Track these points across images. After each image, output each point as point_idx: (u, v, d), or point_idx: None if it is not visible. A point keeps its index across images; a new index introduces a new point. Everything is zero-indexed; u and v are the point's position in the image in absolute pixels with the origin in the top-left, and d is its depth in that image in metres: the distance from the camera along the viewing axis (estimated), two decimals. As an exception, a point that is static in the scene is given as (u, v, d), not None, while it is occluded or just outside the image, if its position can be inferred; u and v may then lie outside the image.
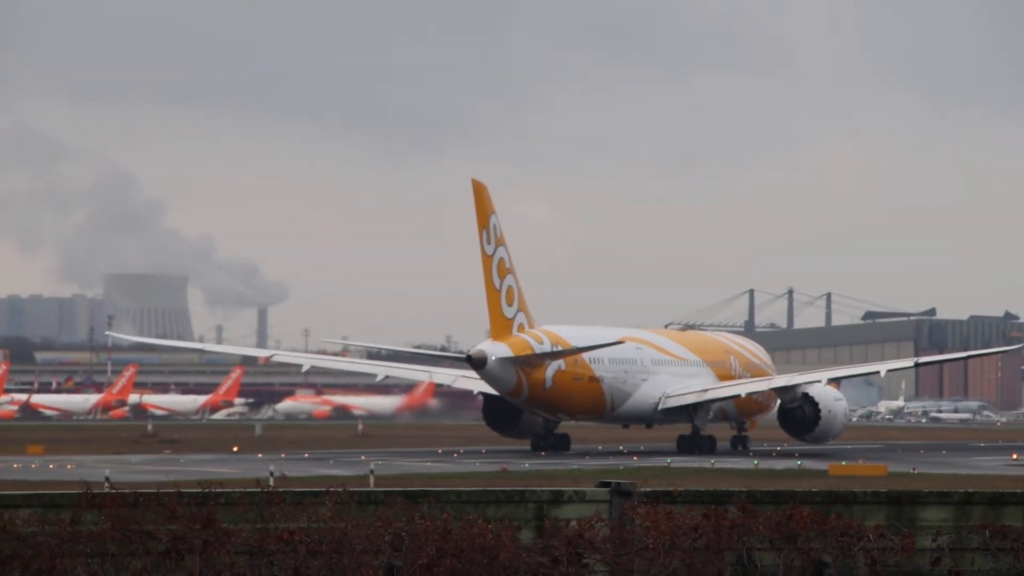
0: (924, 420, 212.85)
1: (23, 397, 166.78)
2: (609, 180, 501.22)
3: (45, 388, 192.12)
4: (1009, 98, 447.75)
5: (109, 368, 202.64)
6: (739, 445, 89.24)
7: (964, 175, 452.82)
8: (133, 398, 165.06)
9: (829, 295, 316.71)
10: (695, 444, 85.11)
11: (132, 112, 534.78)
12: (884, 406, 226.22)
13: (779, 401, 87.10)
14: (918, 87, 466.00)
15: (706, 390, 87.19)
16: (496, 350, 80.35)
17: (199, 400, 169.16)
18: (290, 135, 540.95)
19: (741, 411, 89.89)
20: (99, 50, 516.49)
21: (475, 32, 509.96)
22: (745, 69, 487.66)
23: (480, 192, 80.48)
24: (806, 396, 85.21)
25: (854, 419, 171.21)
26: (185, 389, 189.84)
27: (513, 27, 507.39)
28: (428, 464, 67.85)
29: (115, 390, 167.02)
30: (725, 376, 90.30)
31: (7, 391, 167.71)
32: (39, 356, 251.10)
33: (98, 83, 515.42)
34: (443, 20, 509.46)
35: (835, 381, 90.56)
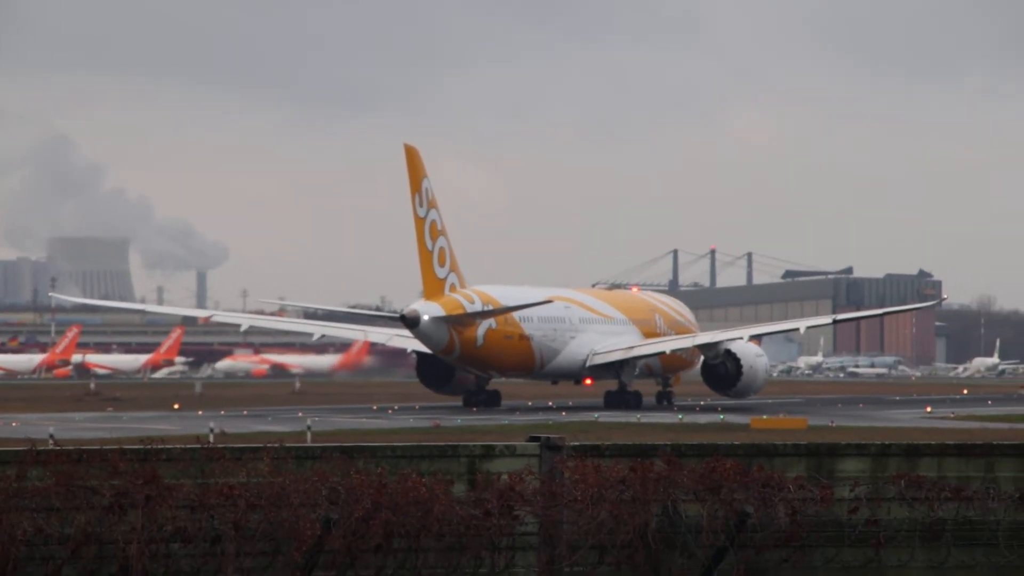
0: (842, 375, 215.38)
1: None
2: (532, 144, 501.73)
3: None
4: (927, 59, 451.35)
5: (53, 329, 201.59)
6: (664, 400, 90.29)
7: (879, 136, 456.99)
8: (76, 358, 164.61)
9: (750, 255, 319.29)
10: (622, 399, 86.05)
11: (68, 79, 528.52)
12: (803, 361, 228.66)
13: (702, 357, 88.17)
14: (834, 48, 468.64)
15: (632, 347, 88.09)
16: (429, 309, 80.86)
17: (141, 359, 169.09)
18: (221, 102, 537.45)
19: (666, 367, 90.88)
20: (35, 17, 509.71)
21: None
22: (660, 32, 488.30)
23: (412, 156, 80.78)
24: (728, 352, 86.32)
25: (775, 374, 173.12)
26: (127, 349, 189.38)
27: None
28: (363, 420, 68.34)
29: (59, 350, 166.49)
30: (650, 334, 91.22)
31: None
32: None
33: (34, 50, 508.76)
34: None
35: (756, 338, 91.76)
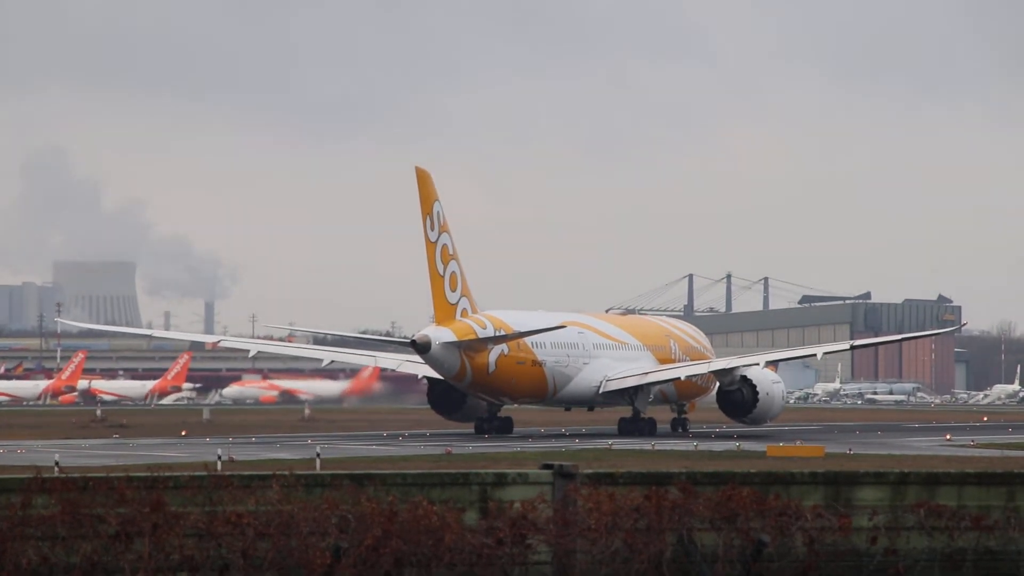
0: (860, 402, 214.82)
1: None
2: (540, 165, 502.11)
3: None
4: (935, 78, 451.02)
5: (58, 354, 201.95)
6: (679, 427, 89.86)
7: (894, 160, 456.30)
8: (82, 384, 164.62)
9: (766, 280, 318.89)
10: (636, 426, 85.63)
11: (65, 96, 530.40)
12: (821, 388, 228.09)
13: (718, 384, 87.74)
14: (846, 69, 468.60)
15: (646, 373, 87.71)
16: (440, 335, 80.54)
17: (147, 385, 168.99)
18: (227, 125, 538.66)
19: (681, 394, 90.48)
20: (26, 32, 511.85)
21: (393, 13, 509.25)
22: (663, 52, 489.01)
23: (424, 179, 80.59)
24: (744, 379, 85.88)
25: (791, 401, 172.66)
26: (134, 375, 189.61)
27: (429, 9, 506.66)
28: (374, 447, 68.05)
29: (64, 376, 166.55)
30: (665, 360, 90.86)
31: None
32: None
33: (27, 65, 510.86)
34: (359, 2, 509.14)
35: (773, 364, 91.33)
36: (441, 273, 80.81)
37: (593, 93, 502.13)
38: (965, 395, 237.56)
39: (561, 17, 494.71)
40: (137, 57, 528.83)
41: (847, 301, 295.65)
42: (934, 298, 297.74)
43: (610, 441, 73.17)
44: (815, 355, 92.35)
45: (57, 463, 45.03)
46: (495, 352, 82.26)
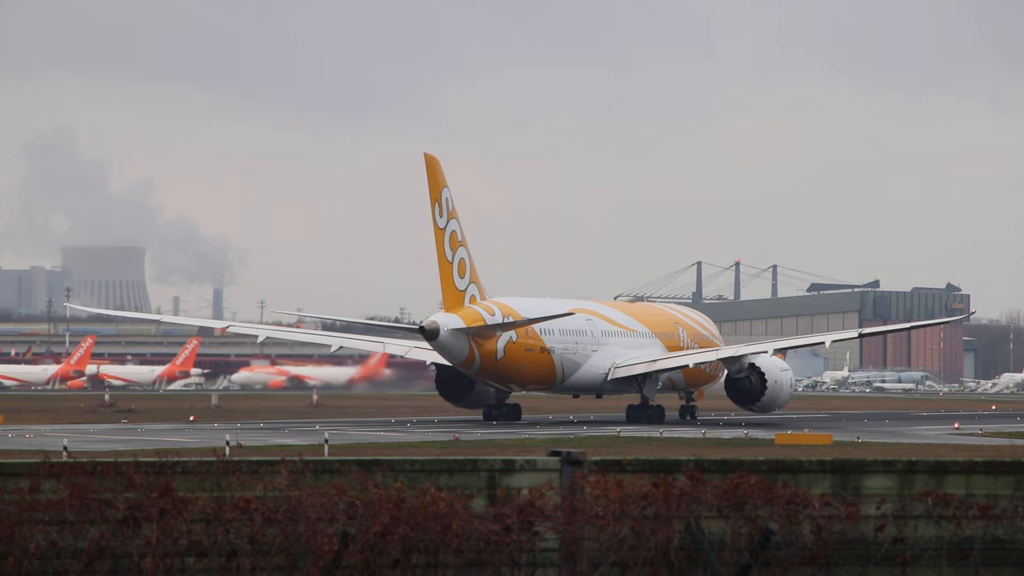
0: (868, 390, 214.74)
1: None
2: (546, 152, 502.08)
3: (4, 358, 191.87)
4: (943, 68, 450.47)
5: (67, 339, 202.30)
6: (687, 415, 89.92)
7: (899, 149, 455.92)
8: (91, 368, 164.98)
9: (775, 267, 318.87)
10: (644, 414, 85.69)
11: (72, 82, 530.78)
12: (829, 376, 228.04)
13: (726, 371, 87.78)
14: (851, 61, 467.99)
15: (655, 360, 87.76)
16: (448, 321, 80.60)
17: (156, 370, 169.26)
18: (231, 110, 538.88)
19: (689, 381, 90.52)
20: (37, 21, 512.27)
21: (394, 5, 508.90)
22: (668, 42, 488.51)
23: (432, 166, 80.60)
24: (753, 366, 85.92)
25: (799, 389, 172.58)
26: (142, 360, 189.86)
27: (430, 2, 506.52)
28: (381, 433, 68.14)
29: (73, 360, 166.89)
30: (673, 347, 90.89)
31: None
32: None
33: (34, 52, 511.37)
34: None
35: (781, 352, 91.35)
36: (450, 259, 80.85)
37: (597, 82, 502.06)
38: (973, 384, 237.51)
39: (563, 9, 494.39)
40: (139, 44, 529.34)
41: (856, 289, 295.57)
42: (943, 286, 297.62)
43: (618, 428, 73.22)
44: (823, 343, 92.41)
45: (65, 448, 45.19)
46: (503, 339, 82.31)
